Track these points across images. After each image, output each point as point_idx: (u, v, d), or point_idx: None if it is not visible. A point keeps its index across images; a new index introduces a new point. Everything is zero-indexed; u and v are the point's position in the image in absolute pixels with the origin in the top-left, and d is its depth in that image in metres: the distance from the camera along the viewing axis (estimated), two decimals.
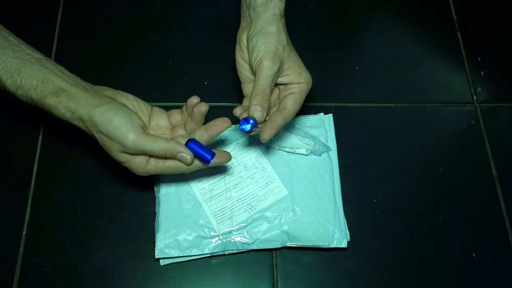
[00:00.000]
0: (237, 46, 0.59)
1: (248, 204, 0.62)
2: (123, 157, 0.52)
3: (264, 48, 0.55)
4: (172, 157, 0.53)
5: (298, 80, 0.57)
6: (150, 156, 0.53)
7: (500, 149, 0.71)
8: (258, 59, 0.55)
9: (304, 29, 0.78)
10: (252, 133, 0.55)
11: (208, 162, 0.54)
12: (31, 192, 0.64)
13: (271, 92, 0.56)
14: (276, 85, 0.58)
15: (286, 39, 0.57)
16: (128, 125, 0.51)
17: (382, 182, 0.67)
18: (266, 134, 0.54)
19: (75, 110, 0.51)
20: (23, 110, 0.63)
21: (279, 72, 0.56)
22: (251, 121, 0.54)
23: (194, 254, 0.59)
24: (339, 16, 0.80)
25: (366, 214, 0.65)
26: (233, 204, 0.62)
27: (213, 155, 0.54)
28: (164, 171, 0.54)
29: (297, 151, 0.65)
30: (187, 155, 0.53)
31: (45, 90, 0.51)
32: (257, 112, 0.54)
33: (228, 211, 0.61)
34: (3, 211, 0.63)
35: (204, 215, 0.61)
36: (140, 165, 0.53)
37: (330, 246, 0.61)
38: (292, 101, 0.56)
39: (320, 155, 0.65)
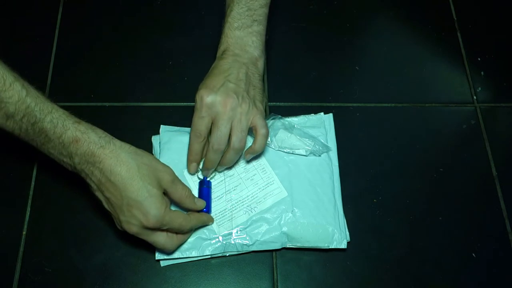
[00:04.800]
0: None
1: (247, 206, 0.62)
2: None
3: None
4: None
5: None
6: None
7: (500, 149, 0.70)
8: None
9: (304, 29, 0.78)
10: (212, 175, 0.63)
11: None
12: (31, 192, 0.64)
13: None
14: None
15: (226, 78, 0.61)
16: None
17: (382, 182, 0.67)
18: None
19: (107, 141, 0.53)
20: None
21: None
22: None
23: (194, 256, 0.59)
24: (339, 16, 0.80)
25: (366, 214, 0.65)
26: (233, 206, 0.62)
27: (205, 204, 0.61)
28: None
29: (297, 152, 0.64)
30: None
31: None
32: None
33: (228, 213, 0.61)
34: (3, 211, 0.63)
35: None
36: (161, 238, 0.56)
37: (330, 247, 0.61)
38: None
39: (319, 155, 0.65)
